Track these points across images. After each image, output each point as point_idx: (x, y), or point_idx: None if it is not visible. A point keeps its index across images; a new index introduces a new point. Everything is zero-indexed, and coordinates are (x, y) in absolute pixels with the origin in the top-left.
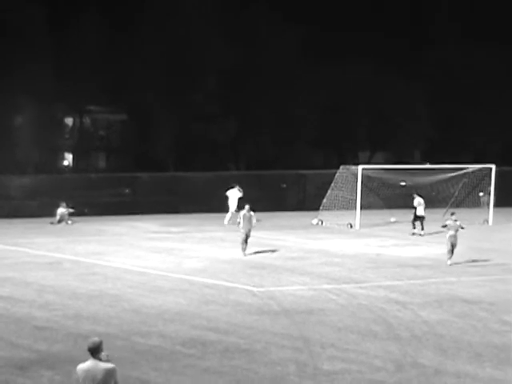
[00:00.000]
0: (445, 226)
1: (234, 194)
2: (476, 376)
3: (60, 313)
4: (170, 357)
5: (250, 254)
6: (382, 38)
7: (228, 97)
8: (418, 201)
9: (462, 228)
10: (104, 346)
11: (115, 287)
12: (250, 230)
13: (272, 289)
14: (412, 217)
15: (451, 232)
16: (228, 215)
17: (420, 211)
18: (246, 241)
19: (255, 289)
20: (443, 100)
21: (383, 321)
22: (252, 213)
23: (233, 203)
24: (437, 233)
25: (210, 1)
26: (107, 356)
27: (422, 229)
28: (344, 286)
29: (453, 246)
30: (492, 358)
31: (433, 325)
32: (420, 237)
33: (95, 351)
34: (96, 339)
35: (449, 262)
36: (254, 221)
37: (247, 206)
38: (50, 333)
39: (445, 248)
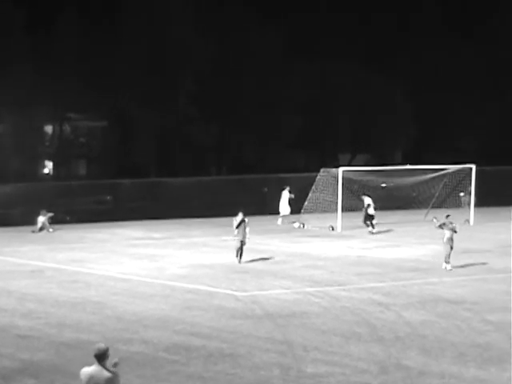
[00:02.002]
0: (442, 226)
1: (284, 196)
2: (460, 376)
3: (43, 321)
4: (154, 363)
5: (232, 258)
6: (365, 39)
7: (209, 101)
8: (367, 201)
9: (456, 232)
10: (87, 354)
11: (98, 294)
12: (245, 238)
13: (255, 293)
14: (363, 217)
15: (448, 235)
16: (280, 216)
17: (371, 210)
18: (241, 248)
19: (238, 293)
20: (424, 102)
21: (366, 323)
22: (246, 220)
23: (284, 205)
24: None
25: (189, 3)
26: (115, 363)
27: (373, 227)
28: (327, 288)
29: (451, 249)
30: (476, 357)
31: (416, 326)
32: (371, 235)
33: (101, 358)
34: (102, 345)
35: (449, 267)
36: (247, 229)
37: (241, 214)
38: (32, 341)
39: (421, 249)
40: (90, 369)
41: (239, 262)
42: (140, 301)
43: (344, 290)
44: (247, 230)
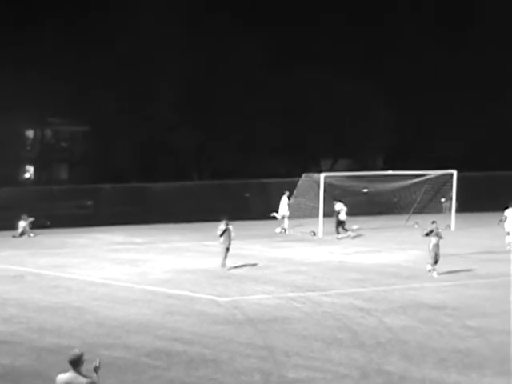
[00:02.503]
0: (429, 233)
1: (283, 201)
2: (441, 381)
3: (24, 326)
4: (135, 368)
5: (214, 263)
6: (345, 44)
7: (190, 106)
8: (338, 206)
9: (441, 238)
10: (67, 359)
11: (79, 299)
12: (230, 244)
13: (236, 298)
14: (335, 223)
15: (434, 241)
16: (285, 222)
17: (342, 216)
18: (226, 256)
19: (220, 298)
20: (405, 106)
21: (348, 328)
22: (231, 227)
23: (284, 209)
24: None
25: (171, 10)
26: (96, 367)
27: (338, 232)
28: (308, 293)
29: (436, 256)
30: (457, 363)
31: (397, 331)
32: (342, 239)
33: (76, 363)
34: (77, 351)
35: (434, 274)
36: (233, 234)
37: (224, 220)
38: (13, 346)
39: (402, 255)
40: (66, 376)
41: (223, 265)
42: (121, 306)
43: (326, 295)
44: (232, 235)
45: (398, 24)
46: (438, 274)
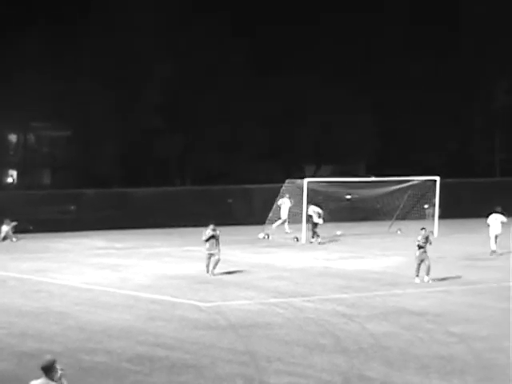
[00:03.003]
0: (424, 244)
1: (285, 204)
2: None
3: (5, 331)
4: (117, 373)
5: (196, 268)
6: (328, 50)
7: (174, 112)
8: (312, 209)
9: (430, 243)
10: (40, 366)
11: (61, 304)
12: (215, 250)
13: (218, 303)
14: (311, 226)
15: (422, 248)
16: (285, 224)
17: (316, 219)
18: (209, 260)
19: (201, 304)
20: (388, 113)
21: (330, 334)
22: (218, 232)
23: (284, 212)
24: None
25: (154, 15)
26: (61, 371)
27: (313, 237)
28: (291, 299)
29: (422, 262)
30: (439, 369)
31: (379, 337)
32: (319, 244)
33: (48, 370)
34: (49, 358)
35: (417, 280)
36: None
37: (212, 226)
38: None
39: (385, 261)
40: (38, 382)
41: (208, 272)
42: (103, 311)
43: (308, 301)
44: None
45: (381, 29)
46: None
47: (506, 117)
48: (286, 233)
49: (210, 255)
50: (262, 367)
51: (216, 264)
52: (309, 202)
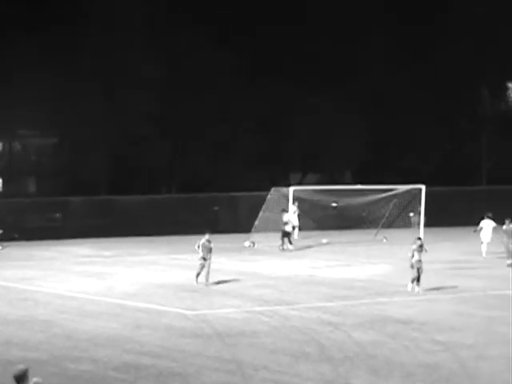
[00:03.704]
0: (421, 248)
1: (294, 212)
2: None
3: None
4: (103, 382)
5: (182, 276)
6: (315, 59)
7: (161, 119)
8: (286, 217)
9: (426, 251)
10: (35, 373)
11: (46, 312)
12: (209, 260)
13: (204, 312)
14: (281, 234)
15: (417, 257)
16: (295, 231)
17: (288, 228)
18: (202, 270)
19: (188, 312)
20: (375, 121)
21: (316, 342)
22: (212, 245)
23: (295, 220)
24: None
25: (143, 25)
26: (37, 380)
27: (283, 243)
28: (276, 307)
29: (419, 272)
30: (424, 377)
31: (365, 345)
32: (289, 252)
33: (21, 379)
34: (21, 367)
35: (417, 289)
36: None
37: (207, 236)
38: None
39: (371, 269)
40: None
41: (197, 282)
42: (89, 319)
43: (294, 309)
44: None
45: (368, 38)
46: (401, 286)
47: (493, 124)
48: (252, 242)
49: (203, 262)
50: (248, 376)
51: (208, 274)
52: (283, 210)
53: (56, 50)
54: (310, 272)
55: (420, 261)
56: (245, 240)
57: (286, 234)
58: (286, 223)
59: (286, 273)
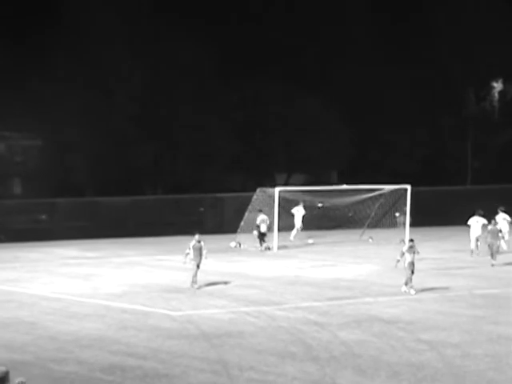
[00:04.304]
0: (406, 252)
1: (299, 211)
2: None
3: None
4: (88, 383)
5: (168, 277)
6: (300, 58)
7: (146, 121)
8: (261, 218)
9: (418, 253)
10: (20, 375)
11: (31, 314)
12: (200, 261)
13: (190, 312)
14: (257, 234)
15: (409, 259)
16: (293, 231)
17: (263, 228)
18: (197, 273)
19: (173, 313)
20: (360, 121)
21: (302, 342)
22: (202, 243)
23: (298, 220)
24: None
25: (124, 27)
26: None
27: (261, 245)
28: (263, 308)
29: (412, 273)
30: (410, 376)
31: (351, 345)
32: (266, 251)
33: (1, 381)
34: (2, 369)
35: (412, 292)
36: (204, 252)
37: (197, 236)
38: None
39: (357, 269)
40: None
41: (192, 286)
42: (75, 320)
43: (280, 309)
44: (204, 252)
45: (352, 39)
46: (387, 286)
47: (478, 124)
48: (290, 240)
49: (196, 266)
50: (235, 376)
51: (195, 275)
52: (259, 211)
53: (38, 50)
54: (296, 272)
55: (412, 263)
56: (230, 241)
57: (261, 235)
58: (257, 226)
59: (272, 273)
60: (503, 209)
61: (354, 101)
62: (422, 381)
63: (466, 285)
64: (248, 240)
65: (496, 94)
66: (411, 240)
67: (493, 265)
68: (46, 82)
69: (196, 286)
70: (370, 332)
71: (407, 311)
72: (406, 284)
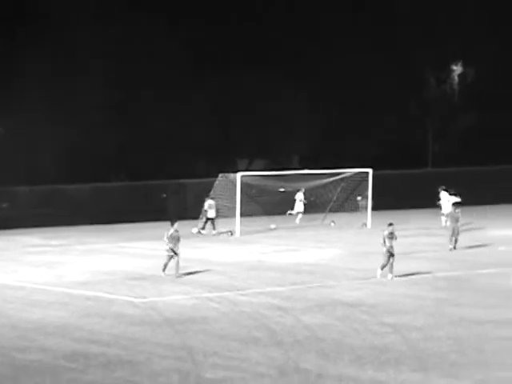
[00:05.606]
0: (386, 238)
1: (299, 197)
2: (358, 378)
3: None
4: (52, 371)
5: (131, 264)
6: (262, 45)
7: (110, 107)
8: (208, 203)
9: (396, 238)
10: None
11: None
12: (178, 249)
13: (154, 299)
14: (204, 219)
15: (388, 244)
16: (299, 216)
17: (211, 214)
18: (172, 259)
19: (137, 300)
20: (322, 104)
21: (265, 327)
22: (178, 231)
23: (299, 206)
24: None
25: (94, 12)
26: None
27: (214, 229)
28: (226, 293)
29: (390, 259)
30: (373, 359)
31: (314, 329)
32: (229, 235)
33: None
34: None
35: (389, 276)
36: (180, 241)
37: (175, 225)
38: None
39: (319, 253)
40: None
41: (164, 270)
42: (38, 309)
43: (243, 294)
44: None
45: (310, 22)
46: (350, 269)
47: (439, 107)
48: (296, 223)
49: (173, 254)
50: (199, 362)
51: (177, 265)
52: (207, 196)
53: (5, 38)
54: (259, 257)
55: (392, 247)
56: (193, 227)
57: (209, 220)
58: (205, 211)
59: (234, 259)
60: (444, 188)
61: (315, 84)
62: (385, 364)
63: (429, 268)
64: (210, 226)
65: (456, 77)
66: (390, 224)
67: (450, 249)
68: (9, 70)
69: (163, 274)
70: (333, 316)
71: (370, 295)
72: (382, 269)
